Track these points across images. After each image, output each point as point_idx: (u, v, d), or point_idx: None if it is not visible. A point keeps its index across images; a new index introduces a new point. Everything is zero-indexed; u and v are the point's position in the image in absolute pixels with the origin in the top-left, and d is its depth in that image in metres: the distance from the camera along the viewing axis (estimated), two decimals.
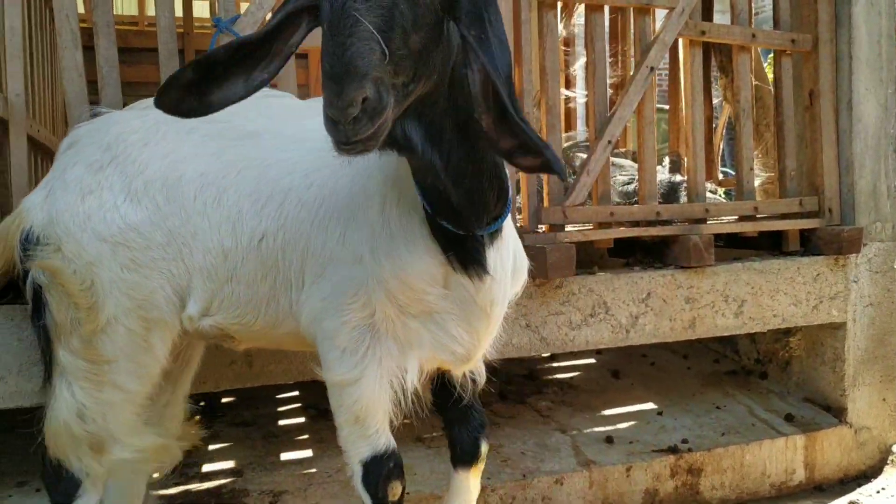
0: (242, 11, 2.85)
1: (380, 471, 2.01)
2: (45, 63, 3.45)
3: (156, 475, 2.92)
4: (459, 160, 1.70)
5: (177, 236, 2.05)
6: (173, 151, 2.11)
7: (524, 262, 2.15)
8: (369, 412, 1.97)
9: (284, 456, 3.22)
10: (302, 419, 3.64)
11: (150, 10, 8.57)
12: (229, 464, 3.15)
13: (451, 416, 2.24)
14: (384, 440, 2.03)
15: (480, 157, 1.75)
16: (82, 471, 2.11)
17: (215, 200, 2.06)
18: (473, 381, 2.19)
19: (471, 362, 2.08)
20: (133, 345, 2.06)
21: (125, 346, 2.06)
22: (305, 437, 3.42)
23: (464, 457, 2.25)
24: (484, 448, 2.27)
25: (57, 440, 2.09)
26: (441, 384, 2.24)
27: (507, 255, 1.96)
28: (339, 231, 1.94)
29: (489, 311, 1.93)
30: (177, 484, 2.96)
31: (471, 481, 2.25)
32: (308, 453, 3.24)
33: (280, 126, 2.18)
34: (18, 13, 2.56)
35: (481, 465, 2.27)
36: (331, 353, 1.97)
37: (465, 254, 1.83)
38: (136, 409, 2.16)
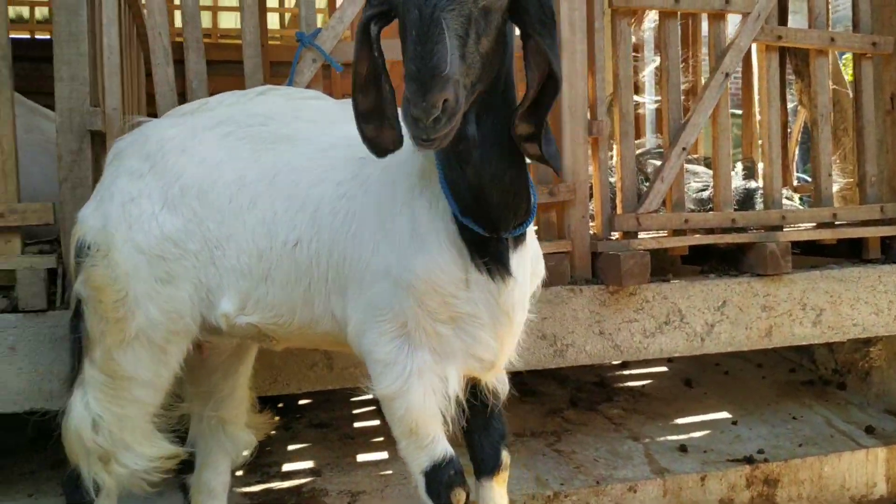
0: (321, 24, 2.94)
1: (441, 478, 2.01)
2: (131, 77, 3.61)
3: (239, 473, 3.04)
4: (501, 157, 1.78)
5: (210, 240, 2.10)
6: (210, 156, 2.16)
7: (541, 267, 2.16)
8: (420, 422, 1.98)
9: (361, 457, 3.30)
10: (377, 422, 3.72)
11: (223, 24, 8.88)
12: (308, 464, 3.24)
13: (472, 426, 2.19)
14: (441, 448, 2.02)
15: (520, 157, 1.83)
16: (93, 481, 2.16)
17: (251, 203, 2.10)
18: (495, 390, 2.17)
19: (495, 369, 2.09)
20: (153, 358, 2.12)
21: (145, 360, 2.11)
22: (381, 439, 3.49)
23: (485, 467, 2.19)
24: (505, 457, 2.21)
25: (70, 449, 2.16)
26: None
27: (528, 260, 1.99)
28: (372, 244, 1.98)
29: (511, 315, 1.95)
30: (259, 482, 3.06)
31: (495, 491, 2.20)
32: (384, 455, 3.31)
33: (314, 132, 2.21)
34: (115, 32, 2.70)
35: (505, 475, 2.22)
36: (374, 368, 2.01)
37: (490, 256, 1.87)
38: (151, 418, 2.21)
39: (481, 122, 1.75)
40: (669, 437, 3.52)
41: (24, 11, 7.38)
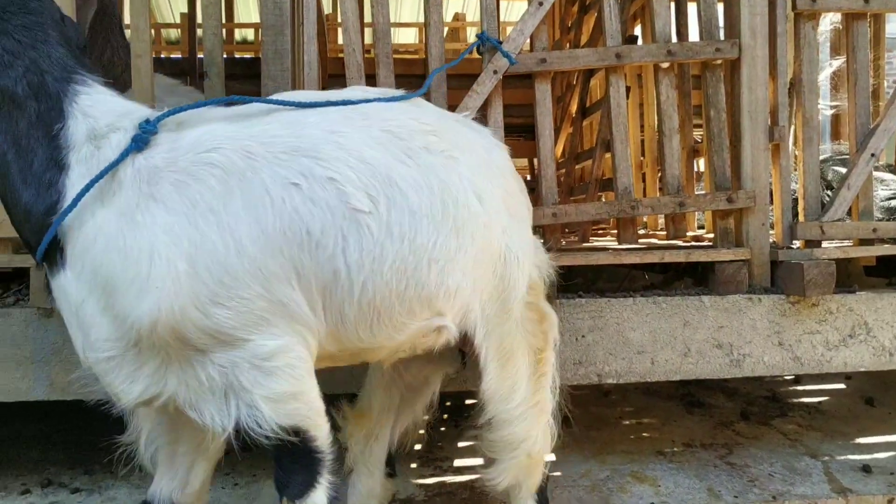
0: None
1: None
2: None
3: (413, 465, 3.19)
4: None
5: None
6: None
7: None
8: None
9: None
10: None
11: (399, 39, 9.36)
12: (478, 460, 3.34)
13: None
14: None
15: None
16: None
17: None
18: None
19: None
20: None
21: None
22: None
23: None
24: None
25: None
26: None
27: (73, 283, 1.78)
28: None
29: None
30: (432, 475, 3.19)
31: None
32: (551, 457, 3.36)
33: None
34: (315, 49, 2.92)
35: None
36: None
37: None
38: None
39: None
40: (851, 457, 3.37)
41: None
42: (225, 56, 3.08)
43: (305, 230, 1.77)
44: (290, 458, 1.86)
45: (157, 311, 1.67)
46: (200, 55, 6.48)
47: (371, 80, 2.90)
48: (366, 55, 3.06)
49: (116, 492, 3.03)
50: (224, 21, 4.95)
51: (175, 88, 3.87)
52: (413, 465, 3.27)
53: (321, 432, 1.88)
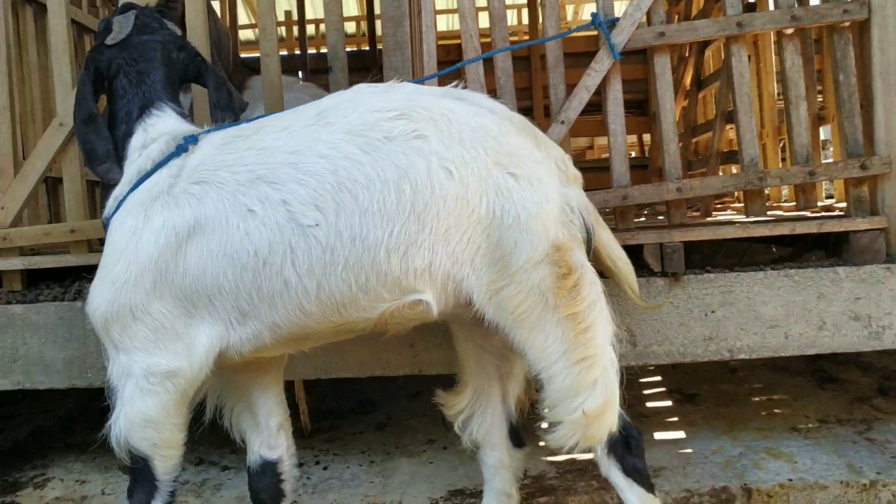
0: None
1: None
2: None
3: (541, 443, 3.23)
4: None
5: None
6: None
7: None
8: None
9: (658, 435, 3.36)
10: (668, 402, 3.76)
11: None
12: None
13: None
14: None
15: None
16: None
17: None
18: None
19: None
20: None
21: None
22: (675, 419, 3.53)
23: None
24: None
25: None
26: None
27: None
28: None
29: None
30: (568, 452, 3.22)
31: None
32: (681, 434, 3.35)
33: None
34: (433, 38, 2.99)
35: None
36: None
37: None
38: None
39: None
40: None
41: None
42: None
43: (253, 251, 2.04)
44: None
45: (103, 302, 2.12)
46: (310, 51, 6.70)
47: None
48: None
49: None
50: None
51: (292, 85, 4.02)
52: (541, 444, 3.31)
53: None
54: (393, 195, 2.05)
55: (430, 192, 2.06)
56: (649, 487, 2.30)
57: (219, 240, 2.07)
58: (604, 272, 2.43)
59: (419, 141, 2.10)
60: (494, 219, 2.09)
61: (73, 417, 4.14)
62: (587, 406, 2.17)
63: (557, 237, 2.13)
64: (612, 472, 2.30)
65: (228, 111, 2.46)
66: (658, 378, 4.17)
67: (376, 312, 2.14)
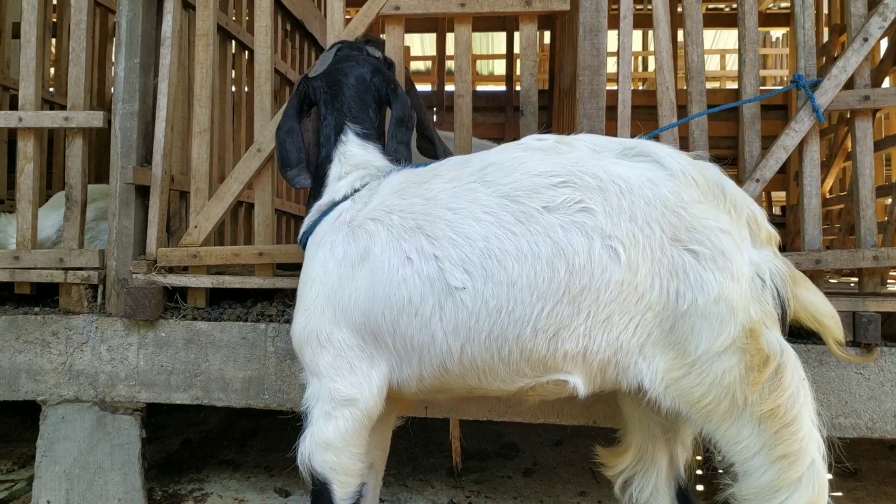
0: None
1: None
2: None
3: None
4: None
5: None
6: None
7: None
8: None
9: None
10: (829, 475, 3.60)
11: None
12: None
13: None
14: None
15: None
16: None
17: None
18: None
19: None
20: None
21: None
22: (839, 493, 3.38)
23: None
24: None
25: None
26: None
27: None
28: None
29: None
30: None
31: None
32: None
33: None
34: (629, 88, 2.99)
35: None
36: None
37: None
38: None
39: None
40: None
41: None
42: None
43: (408, 298, 2.05)
44: None
45: (298, 327, 2.23)
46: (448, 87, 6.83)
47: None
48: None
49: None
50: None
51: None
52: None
53: None
54: (545, 273, 1.95)
55: (588, 275, 1.94)
56: None
57: (381, 279, 2.10)
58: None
59: (583, 214, 1.96)
60: (668, 304, 1.93)
61: (220, 434, 4.23)
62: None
63: (746, 319, 1.91)
64: None
65: (402, 146, 2.48)
66: None
67: (515, 386, 2.10)
